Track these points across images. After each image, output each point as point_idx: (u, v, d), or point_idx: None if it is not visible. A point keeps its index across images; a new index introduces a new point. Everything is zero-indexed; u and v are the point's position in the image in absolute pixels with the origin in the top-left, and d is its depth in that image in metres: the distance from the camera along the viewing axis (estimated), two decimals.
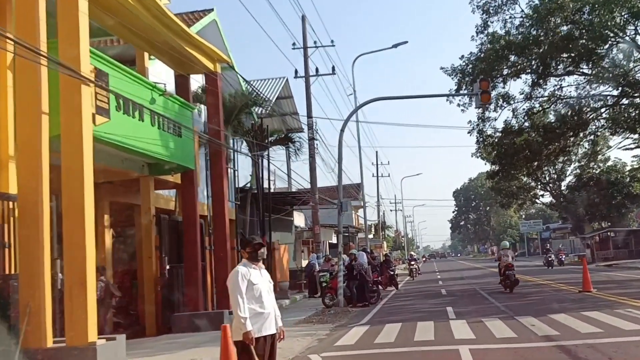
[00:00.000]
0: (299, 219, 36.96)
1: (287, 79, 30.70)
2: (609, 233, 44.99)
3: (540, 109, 28.35)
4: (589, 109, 27.09)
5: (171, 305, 13.67)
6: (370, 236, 61.21)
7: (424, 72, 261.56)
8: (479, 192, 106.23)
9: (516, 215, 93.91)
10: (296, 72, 25.70)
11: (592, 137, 30.21)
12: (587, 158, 48.17)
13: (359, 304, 17.58)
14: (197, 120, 17.39)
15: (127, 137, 11.03)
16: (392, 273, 25.26)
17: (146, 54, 14.39)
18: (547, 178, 51.75)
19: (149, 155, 12.23)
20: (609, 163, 48.30)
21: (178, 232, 14.60)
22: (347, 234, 47.09)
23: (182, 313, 13.34)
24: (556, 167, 49.61)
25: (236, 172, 20.24)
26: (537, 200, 56.81)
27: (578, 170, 49.90)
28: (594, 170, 48.89)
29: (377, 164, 53.83)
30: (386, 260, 26.58)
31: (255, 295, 5.27)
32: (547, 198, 55.36)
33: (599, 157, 47.71)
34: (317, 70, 26.18)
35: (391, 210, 76.43)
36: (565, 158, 47.90)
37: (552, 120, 28.70)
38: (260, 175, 22.79)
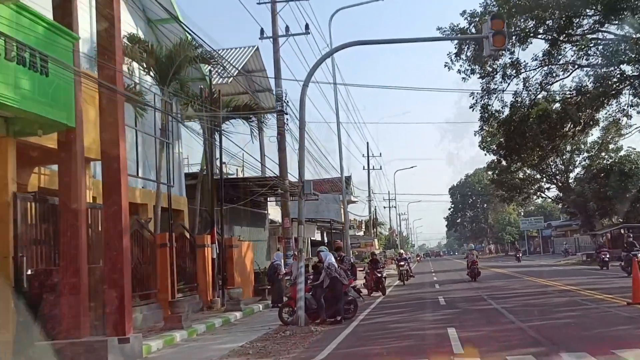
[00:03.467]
0: (276, 213, 32.50)
1: (257, 48, 26.06)
2: (622, 230, 40.83)
3: (560, 75, 23.62)
4: (618, 74, 22.36)
5: (31, 330, 9.09)
6: (361, 233, 56.93)
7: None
8: (476, 189, 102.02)
9: (515, 213, 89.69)
10: (262, 31, 21.15)
11: (625, 106, 25.31)
12: (598, 147, 43.85)
13: (329, 319, 13.07)
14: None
15: None
16: (379, 276, 20.79)
17: None
18: (554, 169, 47.23)
19: None
20: (622, 153, 43.80)
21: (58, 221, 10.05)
22: (334, 231, 42.67)
23: (46, 342, 8.79)
24: (564, 157, 45.15)
25: (170, 144, 15.61)
26: (542, 194, 52.24)
27: (587, 161, 45.45)
28: (605, 161, 44.48)
29: (367, 156, 49.39)
30: (373, 260, 22.00)
31: None
32: (553, 192, 50.85)
33: (611, 146, 43.37)
34: (287, 29, 21.63)
35: (384, 207, 72.25)
36: (574, 147, 43.71)
37: (578, 86, 23.80)
38: (213, 155, 18.36)
